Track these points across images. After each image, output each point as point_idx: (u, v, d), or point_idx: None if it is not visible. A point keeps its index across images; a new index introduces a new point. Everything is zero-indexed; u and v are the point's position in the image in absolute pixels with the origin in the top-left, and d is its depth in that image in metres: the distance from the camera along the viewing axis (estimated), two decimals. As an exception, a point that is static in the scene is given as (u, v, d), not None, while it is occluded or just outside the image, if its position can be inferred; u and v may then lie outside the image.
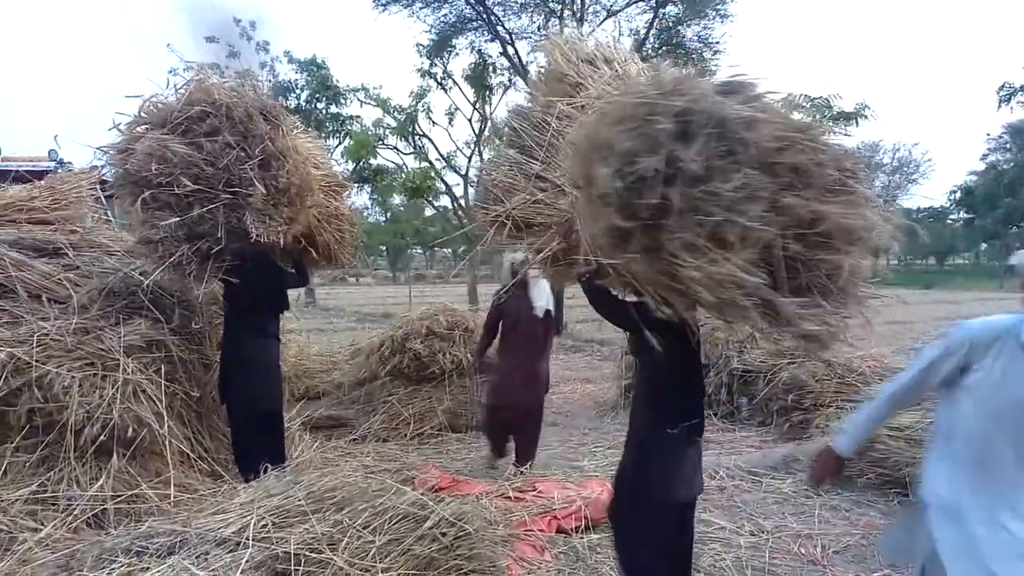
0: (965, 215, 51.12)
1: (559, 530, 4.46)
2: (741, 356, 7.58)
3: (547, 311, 5.69)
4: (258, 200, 4.37)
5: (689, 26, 21.40)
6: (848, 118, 15.13)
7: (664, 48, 21.68)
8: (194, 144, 4.35)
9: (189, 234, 4.35)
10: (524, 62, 21.89)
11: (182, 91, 4.62)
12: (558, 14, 21.05)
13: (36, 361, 3.98)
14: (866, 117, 15.17)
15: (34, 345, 4.04)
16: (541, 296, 5.62)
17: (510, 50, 22.15)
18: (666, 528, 3.32)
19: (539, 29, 21.64)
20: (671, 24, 21.48)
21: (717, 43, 21.85)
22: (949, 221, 55.26)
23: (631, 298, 2.98)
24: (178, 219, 4.31)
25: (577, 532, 4.43)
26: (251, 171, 4.35)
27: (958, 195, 48.38)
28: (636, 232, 2.52)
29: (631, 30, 21.94)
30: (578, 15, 20.85)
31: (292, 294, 5.59)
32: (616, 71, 3.70)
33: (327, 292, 30.35)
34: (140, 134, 4.48)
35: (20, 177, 11.43)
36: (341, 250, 5.80)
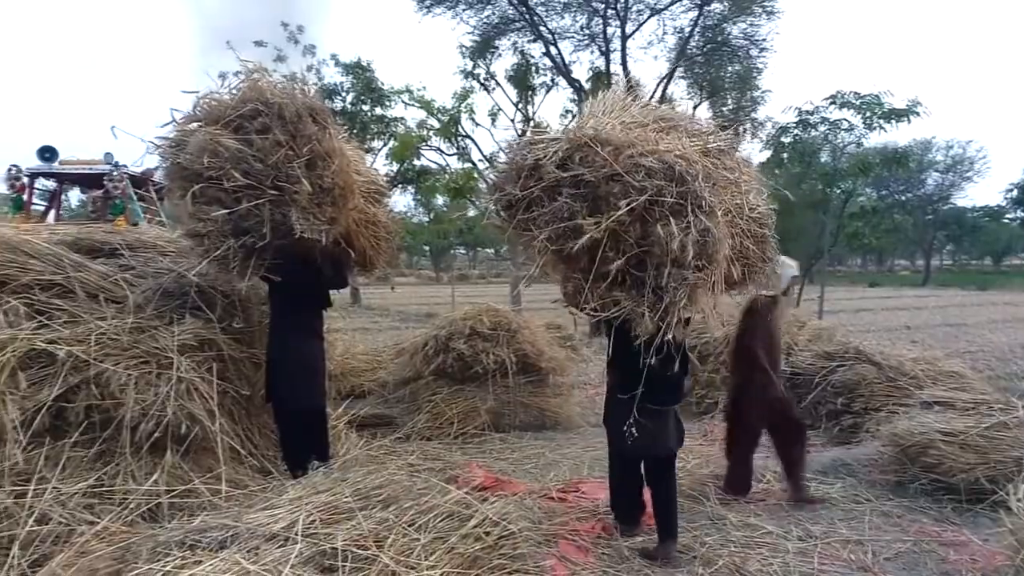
0: (1022, 214, 49.49)
1: (604, 530, 4.45)
2: (788, 359, 7.45)
3: None
4: (303, 197, 4.45)
5: (735, 23, 21.09)
6: (900, 115, 14.75)
7: (709, 46, 21.41)
8: (245, 140, 4.44)
9: (235, 229, 4.44)
10: (567, 62, 21.84)
11: (236, 89, 4.71)
12: (601, 13, 20.92)
13: (94, 359, 4.10)
14: (918, 114, 14.76)
15: (92, 344, 4.16)
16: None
17: (553, 50, 22.10)
18: (628, 474, 4.42)
19: (582, 29, 21.57)
20: (716, 21, 21.17)
21: (763, 40, 21.52)
22: (1005, 220, 53.51)
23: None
24: (226, 212, 4.40)
25: (622, 534, 4.40)
26: (298, 169, 4.43)
27: (1015, 193, 46.85)
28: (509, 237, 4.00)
29: (675, 28, 21.70)
30: (621, 14, 20.69)
31: (337, 294, 5.66)
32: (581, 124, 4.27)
33: (371, 292, 30.67)
34: (193, 128, 4.59)
35: (78, 180, 11.84)
36: (377, 257, 5.87)
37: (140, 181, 10.59)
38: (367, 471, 3.65)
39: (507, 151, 4.06)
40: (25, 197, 11.04)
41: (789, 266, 5.18)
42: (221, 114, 4.55)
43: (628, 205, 3.52)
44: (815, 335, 8.05)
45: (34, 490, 3.69)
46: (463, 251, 62.43)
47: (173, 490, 3.91)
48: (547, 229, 3.65)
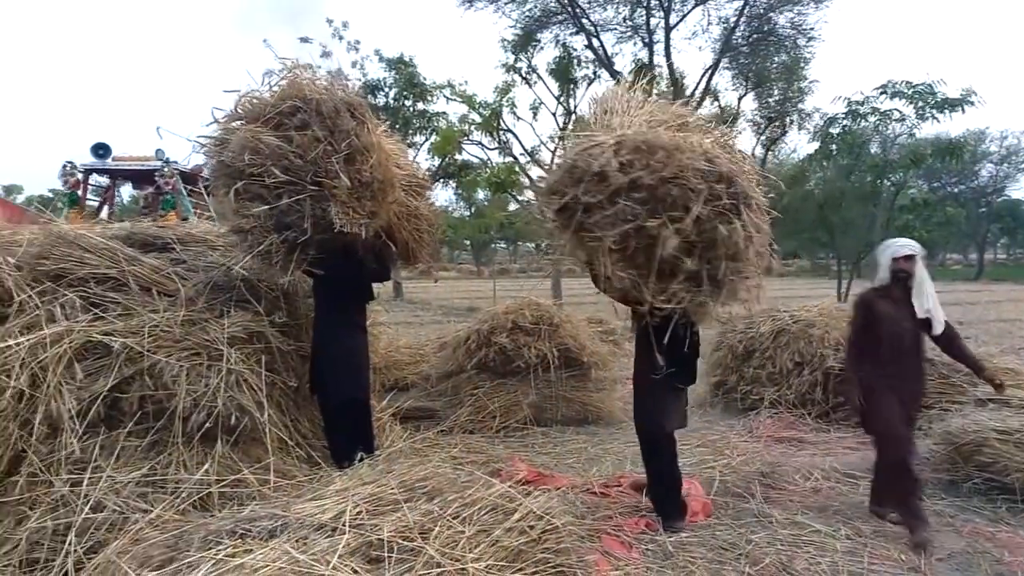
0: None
1: (647, 526, 4.42)
2: (837, 354, 7.31)
3: (927, 317, 4.49)
4: (342, 192, 4.49)
5: (781, 12, 20.67)
6: (953, 105, 14.32)
7: (755, 36, 21.05)
8: (285, 137, 4.50)
9: (277, 224, 4.50)
10: (609, 54, 21.68)
11: (275, 87, 4.78)
12: (644, 4, 20.70)
13: (147, 351, 4.19)
14: (972, 104, 14.32)
15: (145, 336, 4.25)
16: (926, 298, 4.48)
17: (595, 43, 21.95)
18: (666, 448, 4.59)
19: (624, 20, 21.38)
20: (762, 11, 20.79)
21: (811, 29, 21.06)
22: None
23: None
24: (267, 208, 4.46)
25: (665, 531, 4.37)
26: (337, 164, 4.47)
27: (1072, 185, 45.14)
28: (573, 238, 3.99)
29: (720, 18, 21.38)
30: (665, 5, 20.45)
31: (380, 288, 5.70)
32: (608, 120, 4.61)
33: (413, 286, 30.90)
34: (235, 127, 4.66)
35: (130, 176, 12.15)
36: (420, 249, 5.89)
37: (190, 177, 10.82)
38: (412, 463, 3.68)
39: (564, 155, 4.14)
40: (80, 193, 11.36)
41: (889, 247, 4.62)
42: (261, 112, 4.63)
43: (698, 207, 3.78)
44: (864, 330, 7.87)
45: (89, 478, 3.80)
46: (504, 245, 62.45)
47: (223, 480, 3.98)
48: (615, 231, 3.79)
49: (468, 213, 38.64)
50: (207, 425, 4.10)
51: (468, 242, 53.37)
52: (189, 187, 10.69)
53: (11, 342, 4.05)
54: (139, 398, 4.12)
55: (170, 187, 10.66)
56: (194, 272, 4.98)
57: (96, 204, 12.01)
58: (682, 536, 4.30)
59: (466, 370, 7.50)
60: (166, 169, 10.66)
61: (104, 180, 12.10)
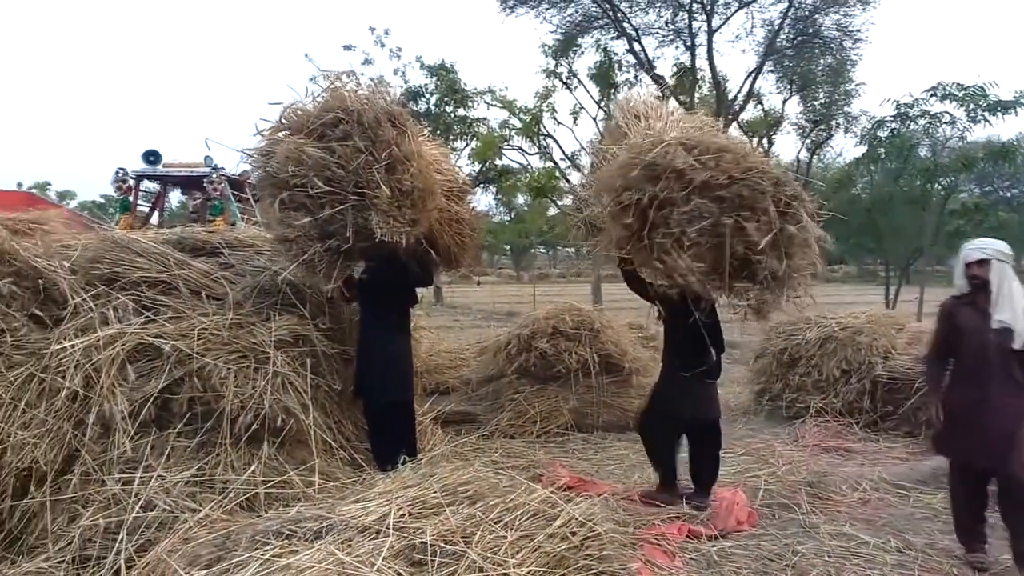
0: None
1: (690, 535, 4.37)
2: (886, 362, 7.15)
3: (1006, 328, 3.89)
4: (383, 201, 4.53)
5: (827, 14, 20.31)
6: (1006, 107, 13.90)
7: (800, 38, 20.73)
8: (327, 148, 4.56)
9: (321, 233, 4.57)
10: (650, 58, 21.54)
11: (318, 98, 4.85)
12: (687, 8, 20.53)
13: (196, 353, 4.28)
14: (1025, 106, 13.87)
15: (195, 338, 4.35)
16: (1006, 306, 3.92)
17: (636, 47, 21.83)
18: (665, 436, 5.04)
19: (666, 24, 21.24)
20: (807, 13, 20.46)
21: (858, 31, 20.64)
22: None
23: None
24: (311, 219, 4.53)
25: (710, 539, 4.32)
26: (378, 174, 4.52)
27: None
28: (632, 237, 4.16)
29: (764, 21, 21.10)
30: (708, 8, 20.26)
31: (422, 293, 5.74)
32: (645, 125, 5.00)
33: (454, 291, 31.05)
34: (280, 139, 4.75)
35: (180, 182, 12.42)
36: (461, 254, 5.95)
37: (238, 183, 11.02)
38: (454, 467, 3.68)
39: (630, 153, 4.24)
40: (132, 199, 11.64)
41: (963, 251, 4.14)
42: (305, 123, 4.70)
43: (771, 206, 4.00)
44: (915, 338, 7.68)
45: (141, 478, 3.89)
46: (544, 250, 62.38)
47: (269, 481, 4.04)
48: (694, 227, 3.97)
49: (508, 218, 38.69)
50: (254, 427, 4.17)
51: (508, 247, 53.47)
52: (237, 193, 10.89)
53: (66, 344, 4.17)
54: (188, 399, 4.21)
55: (218, 193, 10.87)
56: (242, 276, 5.08)
57: (146, 210, 12.30)
58: (726, 546, 4.24)
59: (507, 375, 7.51)
60: (214, 175, 10.88)
61: (154, 186, 12.39)
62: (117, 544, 3.57)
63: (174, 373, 4.24)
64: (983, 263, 4.01)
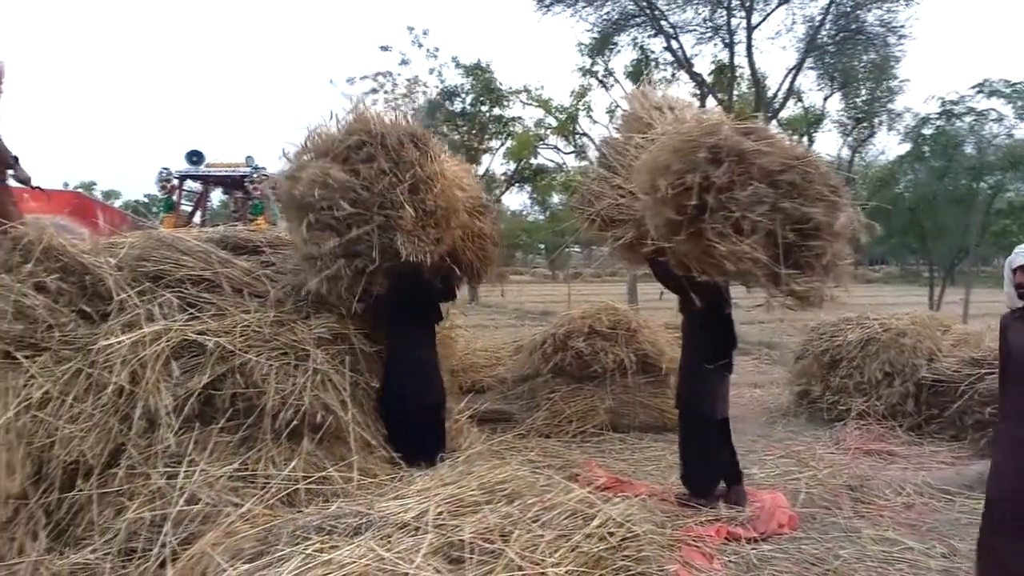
0: None
1: (728, 537, 4.32)
2: (931, 365, 7.00)
3: None
4: (408, 222, 4.60)
5: (870, 10, 19.91)
6: (1056, 104, 13.54)
7: (842, 34, 20.36)
8: (352, 171, 4.64)
9: (346, 252, 4.66)
10: (688, 56, 21.34)
11: (343, 121, 4.93)
12: (725, 4, 20.29)
13: (239, 350, 4.34)
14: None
15: (237, 335, 4.41)
16: None
17: (674, 44, 21.64)
18: (712, 436, 4.93)
19: (705, 21, 21.02)
20: (849, 9, 20.08)
21: (902, 27, 20.20)
22: None
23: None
24: (337, 241, 4.62)
25: (749, 542, 4.26)
26: (402, 195, 4.59)
27: None
28: (684, 223, 4.01)
29: (805, 17, 20.75)
30: (747, 4, 19.99)
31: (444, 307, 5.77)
32: (675, 116, 5.10)
33: (488, 290, 31.08)
34: (306, 162, 4.83)
35: (222, 182, 12.64)
36: (484, 268, 6.02)
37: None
38: (491, 465, 3.68)
39: (688, 135, 4.13)
40: (175, 198, 11.87)
41: (1015, 252, 3.50)
42: (330, 146, 4.78)
43: (830, 193, 4.01)
44: (960, 340, 7.51)
45: (185, 472, 3.94)
46: (578, 249, 62.19)
47: (310, 476, 4.07)
48: (757, 212, 3.89)
49: (542, 217, 38.66)
50: (294, 423, 4.22)
51: (542, 246, 53.35)
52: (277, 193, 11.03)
53: (113, 340, 4.26)
54: (231, 395, 4.26)
55: (259, 193, 11.05)
56: (282, 274, 5.14)
57: (189, 209, 12.54)
58: (766, 549, 4.19)
59: (542, 374, 7.49)
60: (255, 175, 11.05)
61: (197, 186, 12.62)
62: (162, 537, 3.63)
63: (217, 369, 4.29)
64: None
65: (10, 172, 5.45)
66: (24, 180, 5.59)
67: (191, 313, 4.61)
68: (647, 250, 4.71)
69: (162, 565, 3.50)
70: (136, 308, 4.52)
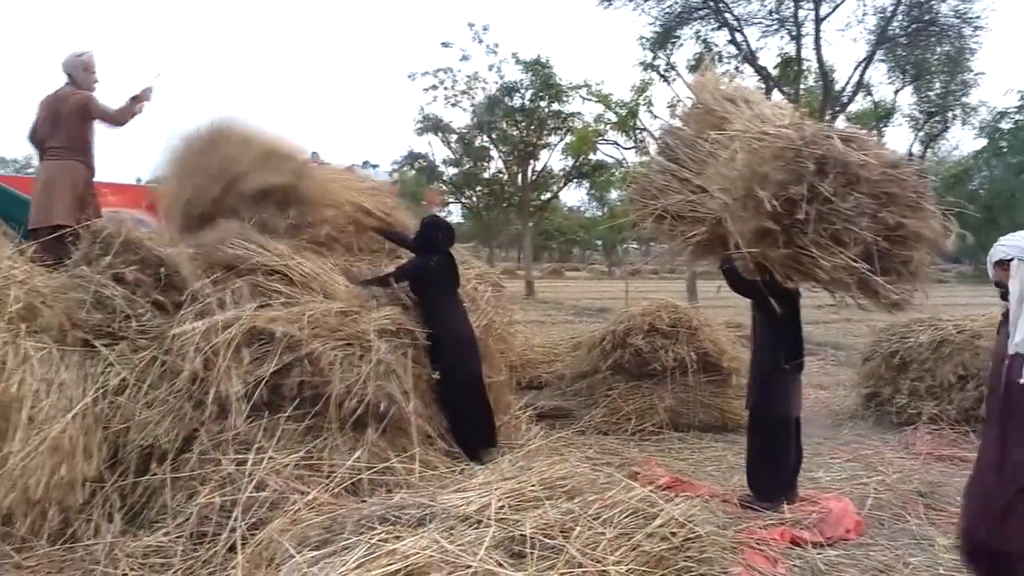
0: None
1: (793, 541, 4.23)
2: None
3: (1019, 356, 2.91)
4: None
5: (944, 1, 19.15)
6: None
7: (914, 26, 19.65)
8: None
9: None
10: (753, 49, 20.90)
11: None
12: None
13: (306, 339, 4.42)
14: None
15: (304, 324, 4.50)
16: (1018, 323, 2.92)
17: (738, 37, 21.22)
18: (782, 437, 4.87)
19: (770, 13, 20.55)
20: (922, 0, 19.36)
21: (977, 18, 19.40)
22: None
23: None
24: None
25: (814, 547, 4.16)
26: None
27: None
28: (778, 232, 3.96)
29: (876, 8, 20.09)
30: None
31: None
32: (754, 111, 4.80)
33: (544, 285, 31.08)
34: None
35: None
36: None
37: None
38: (550, 461, 3.68)
39: (790, 142, 4.05)
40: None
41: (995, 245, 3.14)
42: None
43: (926, 201, 4.05)
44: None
45: (253, 459, 4.04)
46: (636, 246, 61.67)
47: (373, 467, 4.12)
48: (863, 222, 3.87)
49: (600, 213, 38.44)
50: (358, 412, 4.29)
51: (599, 242, 53.12)
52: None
53: (186, 327, 4.40)
54: (298, 383, 4.33)
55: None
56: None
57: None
58: (832, 554, 4.09)
59: (601, 371, 7.44)
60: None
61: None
62: (231, 522, 3.72)
63: (284, 358, 4.37)
64: (1005, 264, 2.98)
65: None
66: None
67: (261, 302, 4.71)
68: (726, 255, 4.56)
69: (231, 549, 3.58)
70: (208, 296, 4.64)
